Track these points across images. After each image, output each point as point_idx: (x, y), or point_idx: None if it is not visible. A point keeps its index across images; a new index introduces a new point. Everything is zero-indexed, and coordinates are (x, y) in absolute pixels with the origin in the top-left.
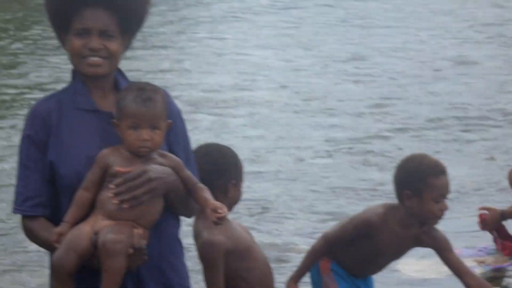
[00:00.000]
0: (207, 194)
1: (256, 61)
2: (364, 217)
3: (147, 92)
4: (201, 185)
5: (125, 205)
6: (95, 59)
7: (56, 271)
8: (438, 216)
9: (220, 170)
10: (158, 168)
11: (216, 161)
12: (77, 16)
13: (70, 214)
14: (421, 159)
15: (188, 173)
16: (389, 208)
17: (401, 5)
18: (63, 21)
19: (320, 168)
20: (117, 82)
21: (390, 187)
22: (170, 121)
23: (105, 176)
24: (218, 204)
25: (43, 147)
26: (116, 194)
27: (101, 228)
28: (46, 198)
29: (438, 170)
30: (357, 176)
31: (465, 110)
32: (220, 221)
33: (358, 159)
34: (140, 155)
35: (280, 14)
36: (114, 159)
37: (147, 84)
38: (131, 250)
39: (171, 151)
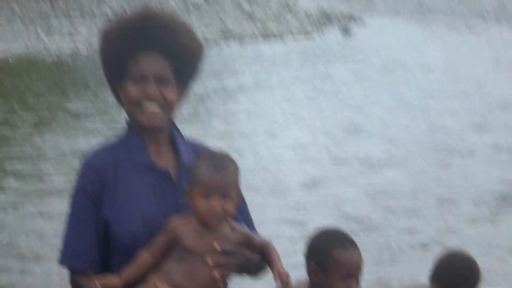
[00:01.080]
0: (276, 256)
1: None
2: None
3: (219, 159)
4: (271, 246)
5: (215, 275)
6: (152, 108)
7: None
8: None
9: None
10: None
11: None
12: (133, 62)
13: (127, 272)
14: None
15: (257, 240)
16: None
17: None
18: (118, 67)
19: None
20: (172, 137)
21: None
22: (240, 190)
23: (172, 245)
24: (284, 272)
25: (98, 203)
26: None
27: None
28: (98, 255)
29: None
30: None
31: None
32: (285, 286)
33: None
34: (210, 224)
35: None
36: (184, 232)
37: (221, 152)
38: None
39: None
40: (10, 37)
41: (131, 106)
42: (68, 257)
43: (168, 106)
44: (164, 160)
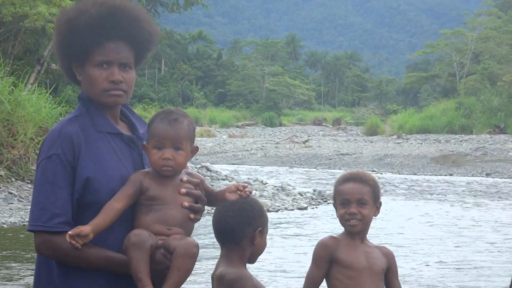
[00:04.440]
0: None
1: None
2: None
3: (174, 114)
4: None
5: (191, 216)
6: (118, 92)
7: (142, 242)
8: None
9: (247, 217)
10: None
11: (243, 209)
12: (99, 48)
13: (96, 219)
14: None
15: (207, 184)
16: None
17: None
18: (82, 52)
19: None
20: (122, 111)
21: None
22: (196, 145)
23: (138, 197)
24: (239, 183)
25: (70, 167)
26: (190, 207)
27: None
28: (71, 216)
29: None
30: None
31: None
32: (246, 192)
33: None
34: (163, 174)
35: None
36: (149, 182)
37: (176, 109)
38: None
39: None
40: None
41: (96, 89)
42: (45, 221)
43: (129, 88)
44: (122, 129)
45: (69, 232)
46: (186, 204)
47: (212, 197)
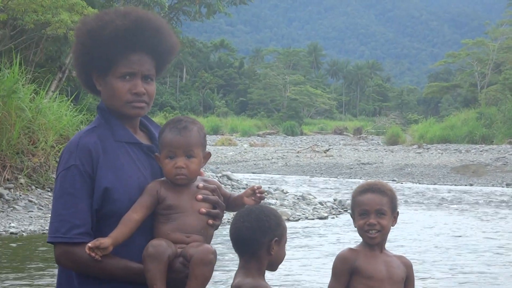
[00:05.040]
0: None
1: None
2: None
3: (183, 122)
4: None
5: (210, 222)
6: (140, 104)
7: (159, 253)
8: None
9: (263, 227)
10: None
11: (259, 218)
12: (123, 60)
13: (115, 231)
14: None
15: (224, 190)
16: None
17: None
18: (105, 64)
19: None
20: (141, 121)
21: None
22: (209, 151)
23: (156, 206)
24: (254, 185)
25: (88, 178)
26: (208, 213)
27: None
28: (91, 227)
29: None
30: None
31: None
32: (262, 195)
33: None
34: (177, 183)
35: None
36: (165, 191)
37: (185, 116)
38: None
39: None
40: None
41: (118, 100)
42: (65, 232)
43: (151, 100)
44: (141, 139)
45: (89, 244)
46: (203, 210)
47: (230, 202)
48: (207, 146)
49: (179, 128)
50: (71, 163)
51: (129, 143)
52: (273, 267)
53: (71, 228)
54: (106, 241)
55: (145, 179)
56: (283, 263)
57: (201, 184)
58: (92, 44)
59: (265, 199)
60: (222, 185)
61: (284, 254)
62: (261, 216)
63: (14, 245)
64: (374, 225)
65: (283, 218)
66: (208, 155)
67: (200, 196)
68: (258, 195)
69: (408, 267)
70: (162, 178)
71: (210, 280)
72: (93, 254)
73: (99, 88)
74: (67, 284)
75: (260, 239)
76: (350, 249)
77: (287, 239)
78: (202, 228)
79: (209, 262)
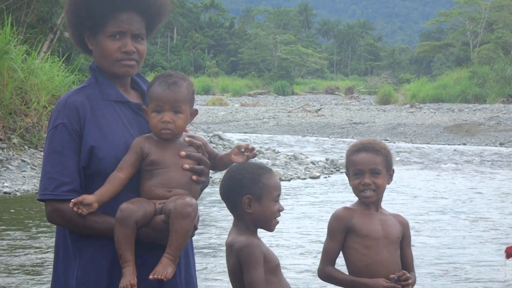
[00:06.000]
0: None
1: None
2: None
3: (173, 77)
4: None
5: (194, 178)
6: (130, 62)
7: (125, 218)
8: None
9: (234, 186)
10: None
11: (231, 177)
12: (112, 19)
13: (100, 189)
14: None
15: (211, 148)
16: None
17: None
18: (95, 23)
19: None
20: (133, 79)
21: None
22: (196, 108)
23: (142, 162)
24: (242, 144)
25: (76, 136)
26: (191, 169)
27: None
28: (79, 184)
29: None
30: None
31: None
32: (250, 153)
33: None
34: (163, 137)
35: None
36: (149, 146)
37: (175, 72)
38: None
39: None
40: None
41: (108, 59)
42: (53, 189)
43: (141, 59)
44: (132, 98)
45: (72, 200)
46: (186, 166)
47: (217, 161)
48: (198, 106)
49: (169, 83)
50: (59, 121)
51: (117, 102)
52: (262, 225)
53: (59, 185)
54: (90, 198)
55: (132, 137)
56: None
57: (186, 139)
58: (81, 3)
59: (256, 157)
60: (213, 144)
61: (269, 212)
62: (234, 174)
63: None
64: (369, 184)
65: (270, 174)
66: (195, 112)
67: (183, 153)
68: (246, 154)
69: (404, 225)
70: (147, 134)
71: (206, 236)
72: (75, 209)
73: (91, 47)
74: (62, 242)
75: (233, 198)
76: (345, 207)
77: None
78: (186, 183)
79: (187, 215)
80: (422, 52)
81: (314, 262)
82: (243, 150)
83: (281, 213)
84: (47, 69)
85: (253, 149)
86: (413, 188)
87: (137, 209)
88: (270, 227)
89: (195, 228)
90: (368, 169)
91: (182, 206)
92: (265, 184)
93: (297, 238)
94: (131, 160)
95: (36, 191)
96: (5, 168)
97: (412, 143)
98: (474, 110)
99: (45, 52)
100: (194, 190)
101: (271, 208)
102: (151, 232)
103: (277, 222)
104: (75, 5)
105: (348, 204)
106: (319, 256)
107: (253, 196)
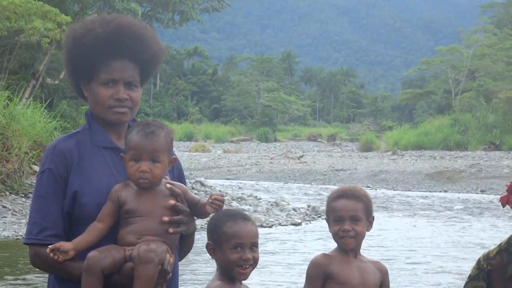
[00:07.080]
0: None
1: None
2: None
3: (151, 127)
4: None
5: (170, 230)
6: (122, 109)
7: (90, 267)
8: None
9: (207, 232)
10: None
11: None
12: (104, 67)
13: (79, 238)
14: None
15: (192, 195)
16: None
17: None
18: (88, 70)
19: None
20: (129, 127)
21: None
22: (174, 156)
23: (120, 211)
24: (213, 194)
25: (62, 182)
26: (170, 220)
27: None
28: (62, 229)
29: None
30: None
31: None
32: (218, 202)
33: None
34: (140, 187)
35: None
36: (126, 195)
37: (154, 120)
38: (161, 265)
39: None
40: None
41: (101, 106)
42: (36, 234)
43: (134, 106)
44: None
45: (50, 246)
46: (166, 219)
47: (199, 208)
48: (181, 152)
49: (147, 132)
50: (46, 166)
51: (106, 148)
52: (227, 273)
53: (42, 230)
54: (66, 245)
55: (117, 183)
56: (257, 268)
57: (168, 185)
58: (76, 51)
59: (224, 205)
60: (195, 191)
61: (229, 261)
62: (209, 220)
63: None
64: (348, 231)
65: (234, 222)
66: (174, 160)
67: (172, 202)
68: (212, 203)
69: (383, 273)
70: (126, 181)
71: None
72: (51, 255)
73: (86, 94)
74: (50, 283)
75: (207, 243)
76: (324, 254)
77: (259, 244)
78: (161, 231)
79: (149, 260)
80: (404, 100)
81: None
82: (210, 200)
83: (259, 260)
84: (29, 115)
85: (220, 199)
86: (386, 237)
87: (103, 257)
88: (234, 275)
89: (167, 273)
90: (348, 216)
91: (144, 252)
92: (224, 232)
93: (273, 286)
94: (109, 210)
95: (17, 237)
96: None
97: (394, 190)
98: (456, 157)
99: (27, 98)
100: (171, 238)
101: (230, 257)
102: (123, 279)
103: (244, 271)
104: (70, 53)
105: (327, 251)
106: None
107: (214, 244)
